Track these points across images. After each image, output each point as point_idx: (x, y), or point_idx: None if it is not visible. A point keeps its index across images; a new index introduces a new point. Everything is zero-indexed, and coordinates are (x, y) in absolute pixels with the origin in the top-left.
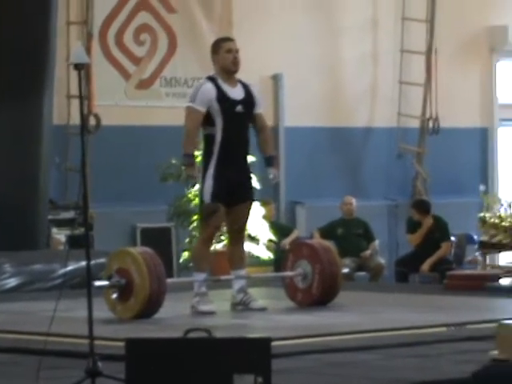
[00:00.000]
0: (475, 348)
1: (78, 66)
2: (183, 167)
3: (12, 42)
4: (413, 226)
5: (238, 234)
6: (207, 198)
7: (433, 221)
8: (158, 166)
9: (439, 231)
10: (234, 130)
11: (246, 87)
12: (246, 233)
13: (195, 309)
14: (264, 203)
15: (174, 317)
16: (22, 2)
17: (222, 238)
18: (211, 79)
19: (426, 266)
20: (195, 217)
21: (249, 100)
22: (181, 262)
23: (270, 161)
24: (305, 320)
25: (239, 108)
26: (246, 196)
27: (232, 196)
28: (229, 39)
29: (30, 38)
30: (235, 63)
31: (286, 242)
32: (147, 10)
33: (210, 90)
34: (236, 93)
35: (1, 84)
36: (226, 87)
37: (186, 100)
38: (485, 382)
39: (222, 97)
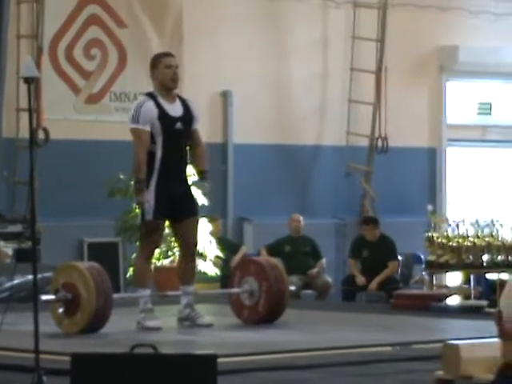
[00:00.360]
0: (420, 368)
1: (28, 80)
2: (135, 191)
3: None
4: (357, 250)
5: (189, 250)
6: (148, 214)
7: (379, 239)
8: (106, 181)
9: (386, 250)
10: (173, 146)
11: (184, 102)
12: (196, 248)
13: (141, 325)
14: (211, 219)
15: (120, 332)
16: None
17: (169, 253)
18: (151, 96)
19: (373, 284)
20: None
21: (187, 116)
22: (127, 277)
23: (204, 174)
24: (251, 337)
25: (178, 125)
26: (189, 210)
27: (175, 211)
28: (169, 54)
29: None
30: (174, 80)
31: (236, 259)
32: (98, 25)
33: (151, 108)
34: (175, 109)
35: None
36: (165, 104)
37: (128, 119)
38: None
39: (162, 115)
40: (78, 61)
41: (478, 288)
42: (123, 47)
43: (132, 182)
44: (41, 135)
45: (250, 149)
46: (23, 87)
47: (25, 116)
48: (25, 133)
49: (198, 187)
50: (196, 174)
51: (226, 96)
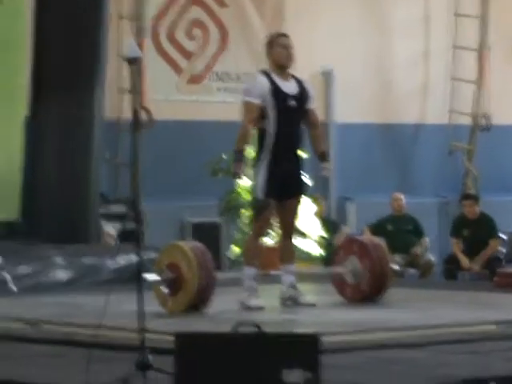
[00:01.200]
0: None
1: (131, 61)
2: (234, 162)
3: (63, 37)
4: (458, 229)
5: (289, 228)
6: (259, 193)
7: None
8: (208, 161)
9: (486, 228)
10: (286, 124)
11: (299, 82)
12: (296, 228)
13: (244, 304)
14: (315, 199)
15: (223, 311)
16: (74, 4)
17: (272, 233)
18: (265, 73)
19: (476, 265)
20: (244, 211)
21: (302, 95)
22: (230, 257)
23: (322, 156)
24: (354, 316)
25: (292, 102)
26: (297, 190)
27: (283, 190)
28: (284, 35)
29: (82, 31)
30: (289, 58)
31: (339, 238)
32: (199, 5)
33: (264, 83)
34: (289, 87)
35: (52, 79)
36: (279, 81)
37: (237, 95)
38: None
39: (276, 90)
40: (180, 41)
41: None
42: (224, 27)
43: None
44: (143, 117)
45: (352, 128)
46: (125, 68)
47: (127, 97)
48: (127, 114)
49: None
50: (317, 155)
51: (327, 75)
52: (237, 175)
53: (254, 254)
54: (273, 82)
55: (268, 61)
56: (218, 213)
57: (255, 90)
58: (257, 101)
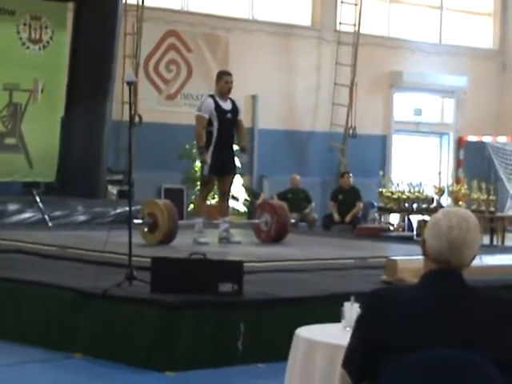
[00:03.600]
0: (372, 273)
1: (130, 83)
2: (199, 154)
3: (89, 65)
4: (335, 195)
5: (225, 195)
6: (206, 171)
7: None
8: (177, 149)
9: (354, 195)
10: (224, 128)
11: (233, 102)
12: (230, 194)
13: (196, 240)
14: (243, 176)
15: (183, 245)
16: (96, 43)
17: (215, 196)
18: (211, 96)
19: (348, 217)
20: (198, 182)
21: (234, 110)
22: (188, 211)
23: (243, 149)
24: (265, 251)
25: (228, 115)
26: (231, 170)
27: (222, 170)
28: (228, 73)
29: (101, 63)
30: (229, 90)
31: (257, 201)
32: (174, 50)
33: (210, 103)
34: (227, 105)
35: (80, 93)
36: (220, 102)
37: (196, 109)
38: (378, 293)
39: (218, 108)
40: (162, 72)
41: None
42: (190, 64)
43: (194, 150)
44: (136, 119)
45: (269, 132)
46: (126, 88)
47: (127, 107)
48: (126, 117)
49: (239, 157)
50: (239, 148)
51: (254, 98)
52: (205, 161)
53: (202, 209)
54: (216, 102)
55: (215, 88)
56: (181, 182)
57: (204, 107)
58: (205, 114)
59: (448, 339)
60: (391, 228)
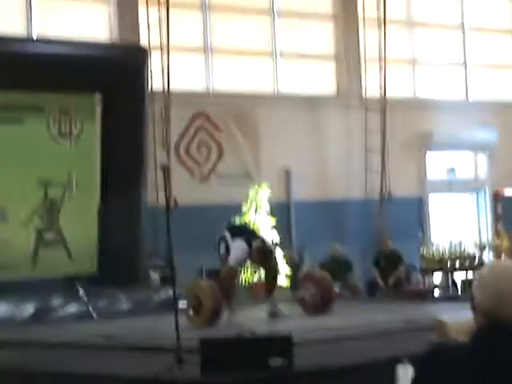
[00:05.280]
0: (421, 336)
1: (163, 168)
2: None
3: (120, 156)
4: (377, 260)
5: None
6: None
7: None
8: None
9: (396, 259)
10: None
11: None
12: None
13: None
14: (283, 249)
15: (228, 324)
16: (126, 132)
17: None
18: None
19: (391, 282)
20: None
21: None
22: None
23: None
24: (313, 322)
25: None
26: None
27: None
28: None
29: (131, 152)
30: None
31: (301, 274)
32: (204, 131)
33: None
34: None
35: (115, 182)
36: None
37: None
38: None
39: None
40: (193, 154)
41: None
42: (220, 144)
43: None
44: (172, 203)
45: (305, 204)
46: (159, 174)
47: (161, 192)
48: (162, 202)
49: None
50: None
51: (288, 172)
52: None
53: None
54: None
55: None
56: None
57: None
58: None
59: None
60: (436, 289)
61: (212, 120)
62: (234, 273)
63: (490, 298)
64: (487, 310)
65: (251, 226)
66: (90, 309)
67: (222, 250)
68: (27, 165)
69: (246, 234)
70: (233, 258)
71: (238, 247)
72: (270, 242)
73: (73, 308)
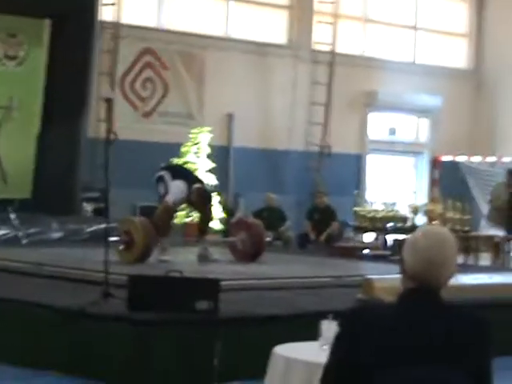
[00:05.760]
0: (349, 292)
1: (107, 100)
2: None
3: (65, 84)
4: (310, 214)
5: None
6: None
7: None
8: (150, 165)
9: (330, 214)
10: None
11: None
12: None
13: (158, 259)
14: (219, 193)
15: (157, 261)
16: (72, 60)
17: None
18: None
19: (323, 236)
20: None
21: None
22: None
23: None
24: (241, 269)
25: None
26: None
27: None
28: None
29: (76, 81)
30: None
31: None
32: (150, 68)
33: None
34: None
35: (56, 110)
36: None
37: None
38: (355, 311)
39: None
40: (138, 90)
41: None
42: (166, 82)
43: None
44: (112, 136)
45: (244, 150)
46: (102, 105)
47: (103, 124)
48: (102, 134)
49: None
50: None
51: (230, 116)
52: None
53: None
54: None
55: None
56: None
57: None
58: None
59: (423, 358)
60: (366, 247)
61: (160, 57)
62: (170, 212)
63: (419, 261)
64: (415, 273)
65: (189, 167)
66: (20, 233)
67: (161, 188)
68: None
69: (186, 175)
70: (171, 198)
71: (177, 187)
72: (209, 186)
73: (2, 232)
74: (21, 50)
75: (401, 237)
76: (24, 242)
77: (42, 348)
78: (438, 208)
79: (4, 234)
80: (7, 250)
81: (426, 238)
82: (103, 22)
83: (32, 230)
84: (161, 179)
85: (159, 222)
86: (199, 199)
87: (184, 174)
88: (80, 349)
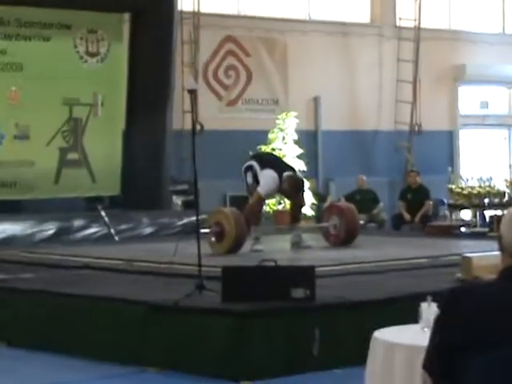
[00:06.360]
0: (447, 272)
1: (190, 91)
2: None
3: (147, 78)
4: (404, 194)
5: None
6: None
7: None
8: (239, 155)
9: (423, 194)
10: None
11: None
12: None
13: (252, 249)
14: (309, 179)
15: (250, 252)
16: (153, 52)
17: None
18: None
19: (418, 216)
20: None
21: None
22: None
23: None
24: (336, 254)
25: None
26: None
27: None
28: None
29: (160, 74)
30: None
31: (325, 204)
32: (233, 55)
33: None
34: None
35: (140, 104)
36: None
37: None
38: (454, 291)
39: None
40: (221, 79)
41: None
42: (249, 69)
43: None
44: (198, 127)
45: (333, 133)
46: (187, 96)
47: (188, 115)
48: (188, 126)
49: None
50: None
51: (316, 100)
52: None
53: (256, 216)
54: None
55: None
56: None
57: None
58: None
59: None
60: (463, 225)
61: (241, 44)
62: (262, 202)
63: None
64: None
65: (278, 155)
66: (112, 231)
67: (250, 179)
68: (53, 83)
69: (277, 164)
70: (264, 188)
71: (268, 177)
72: (299, 173)
73: (94, 230)
74: (102, 46)
75: (498, 212)
76: (116, 238)
77: (137, 345)
78: None
79: (96, 232)
80: (100, 248)
81: None
82: (182, 12)
83: (123, 227)
84: (249, 169)
85: (250, 212)
86: (291, 188)
87: (274, 162)
88: (176, 344)
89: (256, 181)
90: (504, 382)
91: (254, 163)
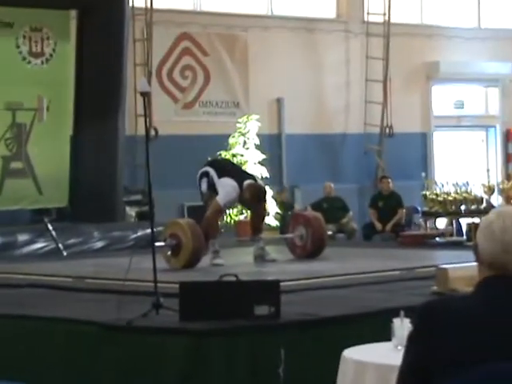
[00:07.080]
0: (421, 285)
1: (143, 94)
2: None
3: (96, 79)
4: (374, 202)
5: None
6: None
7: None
8: (196, 161)
9: (395, 201)
10: None
11: None
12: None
13: (211, 263)
14: (272, 187)
15: (208, 266)
16: (103, 52)
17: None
18: None
19: (390, 225)
20: None
21: None
22: None
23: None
24: (302, 267)
25: None
26: None
27: None
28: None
29: (109, 75)
30: None
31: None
32: (189, 55)
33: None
34: None
35: (89, 108)
36: None
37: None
38: (429, 306)
39: None
40: (176, 80)
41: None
42: (207, 69)
43: None
44: (152, 132)
45: (297, 137)
46: (139, 99)
47: (141, 119)
48: (141, 131)
49: None
50: None
51: (279, 101)
52: None
53: (215, 228)
54: None
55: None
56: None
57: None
58: None
59: (508, 351)
60: (438, 234)
61: (198, 42)
62: (221, 213)
63: (496, 245)
64: (492, 258)
65: (237, 162)
66: (60, 246)
67: (204, 186)
68: None
69: (236, 171)
70: (223, 198)
71: (228, 185)
72: (261, 181)
73: (40, 244)
74: (46, 46)
75: (476, 220)
76: (65, 254)
77: (88, 368)
78: None
79: (42, 247)
80: (47, 264)
81: (502, 220)
82: (134, 8)
83: (72, 241)
84: (205, 175)
85: (209, 225)
86: (252, 197)
87: (232, 170)
88: (130, 365)
89: (213, 189)
90: None
91: (211, 170)
